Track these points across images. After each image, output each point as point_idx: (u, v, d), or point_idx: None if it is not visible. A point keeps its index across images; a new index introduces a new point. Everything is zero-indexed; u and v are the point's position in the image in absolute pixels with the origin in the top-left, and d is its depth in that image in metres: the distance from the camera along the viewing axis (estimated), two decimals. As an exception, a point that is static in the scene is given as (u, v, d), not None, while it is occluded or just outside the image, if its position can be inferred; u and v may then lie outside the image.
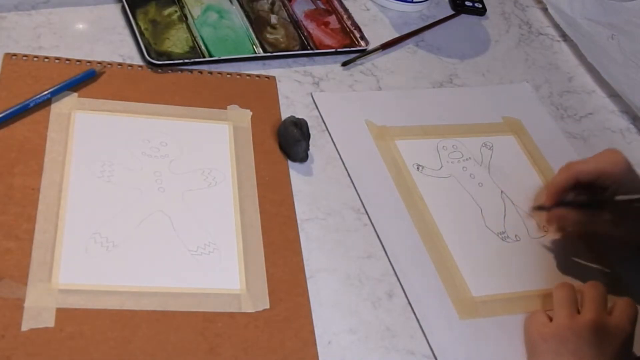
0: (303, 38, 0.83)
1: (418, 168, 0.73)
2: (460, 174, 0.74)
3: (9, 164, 0.61)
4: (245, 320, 0.57)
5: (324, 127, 0.74)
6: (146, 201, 0.62)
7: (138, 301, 0.56)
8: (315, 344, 0.57)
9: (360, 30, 0.86)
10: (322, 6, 0.89)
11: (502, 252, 0.68)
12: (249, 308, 0.58)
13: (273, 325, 0.57)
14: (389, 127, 0.76)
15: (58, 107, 0.67)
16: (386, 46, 0.86)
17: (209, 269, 0.60)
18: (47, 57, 0.70)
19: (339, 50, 0.83)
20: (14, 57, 0.70)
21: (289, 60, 0.81)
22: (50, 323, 0.53)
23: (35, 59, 0.70)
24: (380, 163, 0.72)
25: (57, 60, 0.71)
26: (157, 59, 0.73)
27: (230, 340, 0.55)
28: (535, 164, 0.78)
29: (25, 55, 0.70)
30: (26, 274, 0.55)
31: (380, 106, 0.78)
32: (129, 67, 0.73)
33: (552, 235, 0.71)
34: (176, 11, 0.80)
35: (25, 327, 0.52)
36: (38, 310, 0.53)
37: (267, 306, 0.58)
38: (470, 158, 0.76)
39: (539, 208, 0.71)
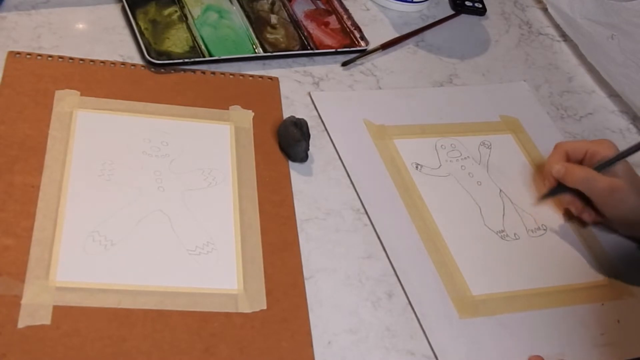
0: (303, 38, 0.83)
1: (417, 167, 0.73)
2: (458, 173, 0.74)
3: (10, 161, 0.61)
4: (241, 320, 0.57)
5: (324, 127, 0.74)
6: (146, 200, 0.62)
7: (135, 300, 0.56)
8: (312, 346, 0.57)
9: (360, 30, 0.86)
10: (322, 6, 0.89)
11: (501, 250, 0.68)
12: (245, 308, 0.58)
13: (269, 326, 0.57)
14: (387, 126, 0.76)
15: (60, 106, 0.67)
16: (386, 46, 0.86)
17: (207, 268, 0.59)
18: (50, 56, 0.71)
19: (339, 50, 0.83)
20: (17, 55, 0.70)
21: (289, 60, 0.81)
22: (47, 320, 0.53)
23: (39, 57, 0.70)
24: (379, 162, 0.72)
25: (60, 59, 0.71)
26: (157, 58, 0.73)
27: (226, 341, 0.55)
28: (532, 162, 0.77)
29: (29, 54, 0.70)
30: (24, 271, 0.55)
31: (378, 105, 0.78)
32: (132, 67, 0.73)
33: (551, 233, 0.71)
34: (176, 11, 0.80)
35: (21, 324, 0.52)
36: (35, 307, 0.53)
37: (264, 307, 0.58)
38: (468, 157, 0.76)
39: (544, 196, 0.71)
